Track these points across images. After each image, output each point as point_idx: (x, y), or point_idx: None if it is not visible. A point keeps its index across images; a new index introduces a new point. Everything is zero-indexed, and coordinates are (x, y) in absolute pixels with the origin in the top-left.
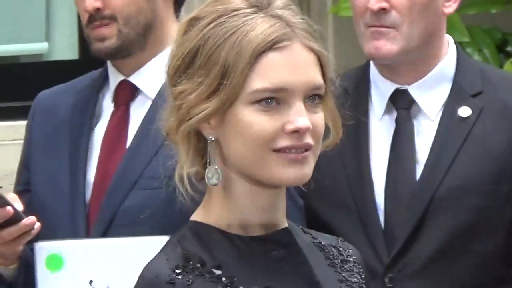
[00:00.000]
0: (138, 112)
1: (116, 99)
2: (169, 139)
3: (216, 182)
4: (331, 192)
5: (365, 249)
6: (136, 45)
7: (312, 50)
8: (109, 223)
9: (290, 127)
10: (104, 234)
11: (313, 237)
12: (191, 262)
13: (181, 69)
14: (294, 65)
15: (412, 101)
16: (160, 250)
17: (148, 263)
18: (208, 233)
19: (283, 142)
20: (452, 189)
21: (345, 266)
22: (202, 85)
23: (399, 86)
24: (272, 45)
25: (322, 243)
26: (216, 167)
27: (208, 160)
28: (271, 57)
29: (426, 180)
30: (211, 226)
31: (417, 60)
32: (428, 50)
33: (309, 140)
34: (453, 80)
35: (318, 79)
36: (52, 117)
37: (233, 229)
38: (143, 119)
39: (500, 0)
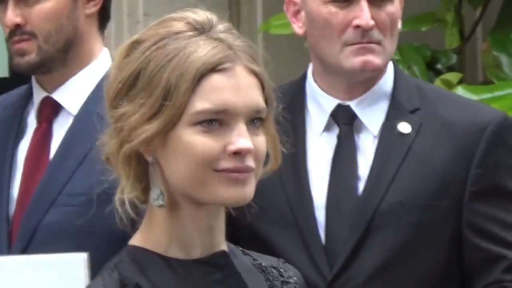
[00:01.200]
0: (60, 128)
1: (39, 115)
2: (109, 164)
3: (162, 203)
4: (270, 210)
5: (307, 266)
6: (57, 61)
7: (254, 73)
8: (29, 239)
9: (231, 148)
10: (25, 250)
11: (253, 259)
12: None
13: (123, 92)
14: (236, 87)
15: (354, 117)
16: (97, 275)
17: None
18: (146, 258)
19: (225, 164)
20: (393, 204)
21: None
22: (144, 107)
23: (340, 101)
24: (214, 67)
25: (263, 265)
26: (160, 189)
27: (149, 183)
28: (214, 79)
29: (367, 196)
30: (149, 250)
31: (369, 77)
32: None
33: (250, 163)
34: (391, 96)
35: (260, 102)
36: None
37: (172, 252)
38: (64, 135)
39: (429, 18)
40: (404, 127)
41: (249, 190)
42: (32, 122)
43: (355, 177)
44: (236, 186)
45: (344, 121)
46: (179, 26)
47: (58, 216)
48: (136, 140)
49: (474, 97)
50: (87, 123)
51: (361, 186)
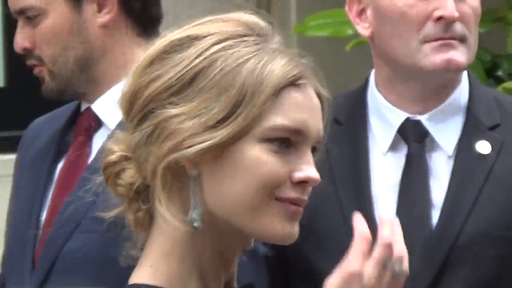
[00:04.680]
0: (100, 144)
1: (77, 128)
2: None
3: (201, 225)
4: (329, 242)
5: None
6: (80, 82)
7: (319, 97)
8: (49, 269)
9: (299, 175)
10: (44, 281)
11: None
12: None
13: (173, 90)
14: (311, 107)
15: (425, 134)
16: None
17: None
18: None
19: (289, 192)
20: (475, 236)
21: None
22: (208, 111)
23: (410, 116)
24: (294, 80)
25: None
26: (202, 209)
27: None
28: (294, 94)
29: (444, 226)
30: None
31: (446, 83)
32: None
33: (306, 196)
34: (467, 110)
35: (323, 130)
36: (34, 147)
37: (192, 287)
38: (96, 152)
39: (489, 17)
40: (483, 147)
41: (297, 228)
42: None
43: (428, 204)
44: (291, 222)
45: (414, 139)
46: (242, 28)
47: (80, 244)
48: (193, 148)
49: None
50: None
51: (435, 214)
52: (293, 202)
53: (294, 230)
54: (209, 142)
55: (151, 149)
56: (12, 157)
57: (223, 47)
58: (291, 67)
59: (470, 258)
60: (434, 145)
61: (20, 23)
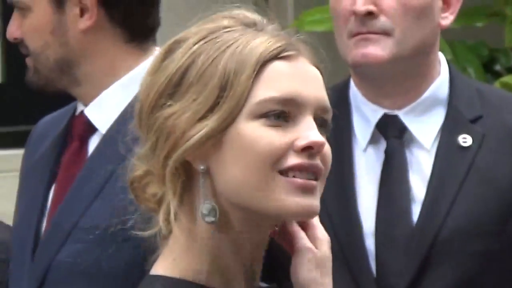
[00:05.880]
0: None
1: (71, 133)
2: (133, 191)
3: (214, 219)
4: None
5: None
6: (61, 81)
7: (316, 67)
8: (42, 279)
9: (301, 142)
10: None
11: None
12: None
13: (166, 93)
14: (303, 76)
15: (403, 129)
16: None
17: None
18: None
19: (292, 160)
20: (456, 231)
21: None
22: (197, 102)
23: (387, 111)
24: (278, 53)
25: None
26: (212, 203)
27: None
28: (278, 66)
29: (425, 221)
30: (189, 282)
31: (409, 79)
32: (421, 67)
33: (319, 162)
34: (448, 103)
35: (327, 98)
36: (39, 149)
37: (213, 283)
38: (89, 156)
39: (485, 11)
40: (465, 140)
41: (316, 201)
42: None
43: (409, 199)
44: (303, 195)
45: (393, 134)
46: (226, 22)
47: (71, 255)
48: (189, 142)
49: None
50: (114, 144)
51: (416, 210)
52: (299, 168)
53: (309, 203)
54: (202, 132)
55: (157, 154)
56: (12, 152)
57: (205, 42)
58: (273, 41)
59: (451, 254)
60: (413, 140)
61: (14, 13)
